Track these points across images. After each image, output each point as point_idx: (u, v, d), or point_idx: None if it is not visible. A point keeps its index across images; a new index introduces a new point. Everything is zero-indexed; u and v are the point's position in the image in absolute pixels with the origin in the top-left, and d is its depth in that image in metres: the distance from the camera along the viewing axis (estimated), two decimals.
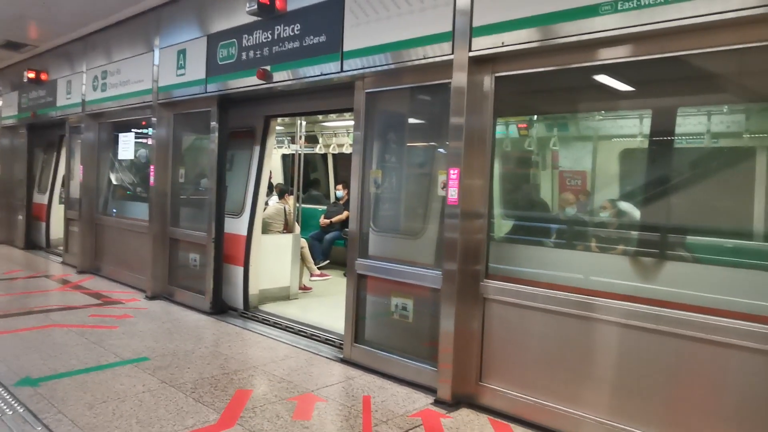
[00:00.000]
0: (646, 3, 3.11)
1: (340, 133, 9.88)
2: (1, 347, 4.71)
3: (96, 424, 3.36)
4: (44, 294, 7.09)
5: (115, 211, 8.56)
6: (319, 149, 10.27)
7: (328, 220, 8.96)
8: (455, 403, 3.89)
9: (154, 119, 7.00)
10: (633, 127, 4.29)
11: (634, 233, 3.80)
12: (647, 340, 3.22)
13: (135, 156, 8.00)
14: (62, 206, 9.97)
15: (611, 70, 3.56)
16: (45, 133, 10.79)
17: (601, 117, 4.51)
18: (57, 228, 10.25)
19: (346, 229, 8.53)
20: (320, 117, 9.30)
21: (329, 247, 8.87)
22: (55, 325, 5.48)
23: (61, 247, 9.56)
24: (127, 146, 8.19)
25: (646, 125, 4.04)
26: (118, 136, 8.38)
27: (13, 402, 3.64)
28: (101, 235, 8.51)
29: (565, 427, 3.49)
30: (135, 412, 3.56)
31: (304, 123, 8.33)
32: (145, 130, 7.88)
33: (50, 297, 6.98)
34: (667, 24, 3.05)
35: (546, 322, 3.63)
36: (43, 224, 10.73)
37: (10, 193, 11.50)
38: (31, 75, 9.62)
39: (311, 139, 10.26)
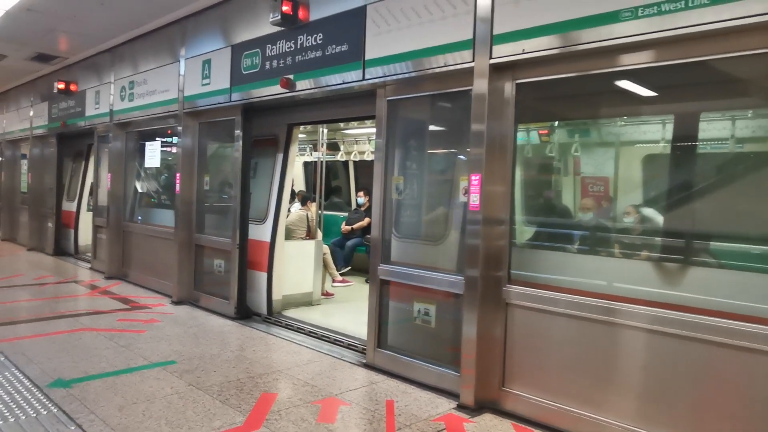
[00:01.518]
0: (667, 9, 3.12)
1: (361, 141, 9.97)
2: (33, 350, 4.85)
3: (127, 425, 3.46)
4: (73, 299, 7.27)
5: (140, 218, 8.74)
6: (340, 156, 10.37)
7: (349, 227, 9.02)
8: (478, 408, 3.91)
9: (179, 128, 7.16)
10: (655, 133, 4.28)
11: (658, 239, 3.79)
12: (672, 346, 3.21)
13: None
14: (90, 214, 10.21)
15: (633, 75, 3.57)
16: (74, 143, 11.07)
17: (622, 123, 4.51)
18: (85, 235, 10.51)
19: (368, 236, 8.60)
20: (341, 125, 9.40)
21: (351, 254, 8.93)
22: (84, 329, 5.62)
23: (90, 254, 9.78)
24: (153, 154, 8.37)
25: (669, 131, 4.04)
26: (144, 144, 8.57)
27: (47, 402, 3.76)
28: (128, 241, 8.69)
29: None
30: (164, 414, 3.65)
31: (325, 131, 8.43)
32: (170, 139, 8.05)
33: (79, 302, 7.15)
34: (689, 29, 3.06)
35: (569, 328, 3.64)
36: (72, 231, 11.00)
37: (41, 201, 11.82)
38: (61, 86, 9.90)
39: (332, 147, 10.36)
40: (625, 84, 3.72)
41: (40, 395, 3.88)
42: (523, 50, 3.71)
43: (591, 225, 4.27)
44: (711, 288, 3.23)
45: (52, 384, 4.10)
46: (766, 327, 2.90)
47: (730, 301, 3.09)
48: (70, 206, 11.13)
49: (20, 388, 4.00)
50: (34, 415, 3.55)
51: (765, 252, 3.34)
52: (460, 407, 3.94)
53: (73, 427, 3.40)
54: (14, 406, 3.67)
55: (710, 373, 3.09)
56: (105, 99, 9.04)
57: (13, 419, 3.48)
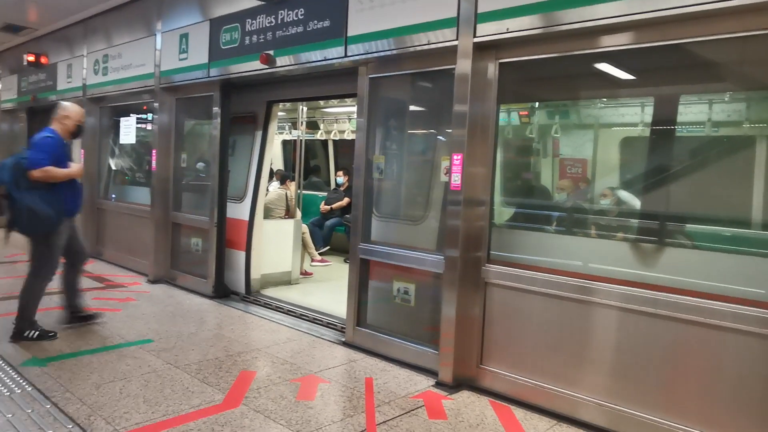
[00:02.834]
0: None
1: (341, 120, 9.89)
2: (6, 328, 4.76)
3: (104, 403, 3.43)
4: None
5: (114, 196, 8.57)
6: (320, 135, 10.27)
7: (328, 207, 8.99)
8: (456, 385, 3.97)
9: (155, 104, 7.01)
10: (633, 116, 4.33)
11: (633, 220, 3.86)
12: (644, 324, 3.29)
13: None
14: None
15: (613, 57, 3.60)
16: (45, 118, 10.66)
17: (602, 105, 4.55)
18: None
19: (347, 216, 8.59)
20: (321, 103, 9.30)
21: (329, 234, 8.91)
22: (58, 308, 5.52)
23: None
24: (128, 131, 8.18)
25: (647, 114, 4.08)
26: (119, 120, 8.38)
27: (21, 381, 3.70)
28: (103, 219, 8.54)
29: (564, 409, 3.57)
30: (141, 392, 3.62)
31: (305, 109, 8.33)
32: (146, 115, 7.88)
33: (52, 281, 7.00)
34: (670, 12, 3.08)
35: (546, 306, 3.70)
36: None
37: None
38: (31, 58, 9.55)
39: (312, 126, 10.26)
40: (605, 66, 3.74)
41: (13, 374, 3.82)
42: (507, 29, 3.69)
43: (568, 206, 4.32)
44: (683, 268, 3.30)
45: (26, 362, 4.04)
46: (734, 305, 2.98)
47: (702, 281, 3.17)
48: None
49: None
50: (8, 393, 3.50)
51: (735, 234, 3.42)
52: (439, 384, 3.99)
53: (48, 406, 3.36)
54: None
55: (680, 350, 3.18)
56: (77, 73, 8.78)
57: None
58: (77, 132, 4.83)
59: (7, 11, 8.60)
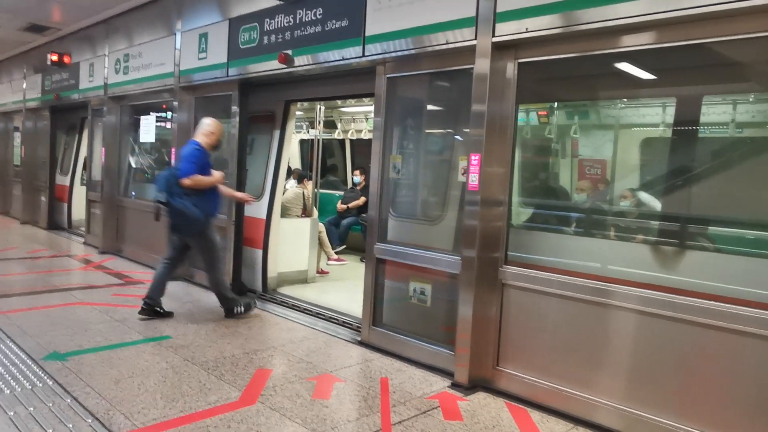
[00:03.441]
0: None
1: (358, 119, 9.90)
2: (28, 323, 4.85)
3: (123, 398, 3.47)
4: (68, 273, 7.26)
5: (134, 193, 8.69)
6: (337, 135, 10.30)
7: (345, 206, 9.01)
8: (472, 386, 3.95)
9: (175, 103, 7.08)
10: (654, 116, 4.27)
11: (654, 222, 3.80)
12: (662, 327, 3.24)
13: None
14: (84, 188, 10.14)
15: (634, 57, 3.55)
16: (67, 116, 10.94)
17: (622, 105, 4.49)
18: (79, 209, 10.42)
19: (363, 215, 8.59)
20: (339, 102, 9.32)
21: (346, 233, 8.93)
22: (79, 303, 5.62)
23: (83, 228, 9.74)
24: (148, 129, 8.28)
25: (669, 114, 4.02)
26: (139, 119, 8.48)
27: (43, 375, 3.76)
28: (122, 216, 8.65)
29: (581, 412, 3.53)
30: (159, 388, 3.66)
31: (323, 108, 8.36)
32: (166, 114, 7.97)
33: (73, 276, 7.15)
34: (692, 11, 3.03)
35: (563, 308, 3.66)
36: (66, 205, 10.93)
37: (34, 174, 11.71)
38: (54, 58, 9.73)
39: (329, 125, 10.29)
40: (626, 66, 3.69)
41: (35, 368, 3.88)
42: (527, 29, 3.67)
43: (587, 207, 4.27)
44: (705, 271, 3.25)
45: (48, 357, 4.11)
46: (758, 310, 2.92)
47: (724, 285, 3.11)
48: (63, 180, 11.04)
49: (16, 360, 4.00)
50: (30, 387, 3.56)
51: (759, 237, 3.36)
52: (454, 385, 3.98)
53: (69, 400, 3.41)
54: (10, 379, 3.68)
55: (700, 355, 3.13)
56: (99, 72, 8.91)
57: (8, 391, 3.49)
58: (218, 146, 5.49)
59: (31, 11, 8.75)
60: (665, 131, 4.12)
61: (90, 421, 3.16)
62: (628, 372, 3.39)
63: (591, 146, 4.80)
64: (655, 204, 3.84)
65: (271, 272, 6.43)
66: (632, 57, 3.55)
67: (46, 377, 3.73)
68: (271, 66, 5.62)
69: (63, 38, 10.07)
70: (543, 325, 3.77)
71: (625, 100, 4.39)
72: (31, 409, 3.26)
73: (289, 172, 8.12)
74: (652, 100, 4.22)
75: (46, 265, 7.58)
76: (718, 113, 3.90)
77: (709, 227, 3.53)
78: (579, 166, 4.56)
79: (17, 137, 12.74)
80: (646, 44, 3.35)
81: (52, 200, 11.13)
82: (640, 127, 4.47)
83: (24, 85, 11.75)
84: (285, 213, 6.98)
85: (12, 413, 3.20)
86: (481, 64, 3.90)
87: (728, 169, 3.59)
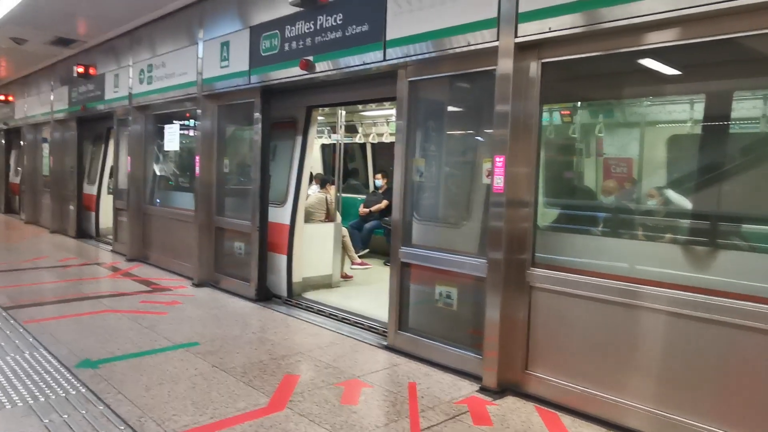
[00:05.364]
0: None
1: (379, 123, 9.91)
2: (60, 330, 4.94)
3: (153, 405, 3.51)
4: (97, 281, 7.39)
5: (159, 201, 8.81)
6: (358, 139, 10.32)
7: (367, 210, 9.01)
8: (501, 390, 3.91)
9: (198, 111, 7.17)
10: (681, 113, 4.19)
11: (683, 221, 3.73)
12: (696, 329, 3.17)
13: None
14: (110, 196, 10.32)
15: (660, 54, 3.48)
16: (94, 126, 11.16)
17: (648, 103, 4.42)
18: (106, 217, 10.61)
19: (386, 218, 8.59)
20: (360, 107, 9.34)
21: (369, 236, 8.94)
22: (108, 311, 5.71)
23: (111, 236, 9.90)
24: (172, 137, 8.40)
25: (696, 110, 3.94)
26: (163, 127, 8.61)
27: (75, 382, 3.83)
28: (149, 224, 8.78)
29: (612, 416, 3.47)
30: (189, 394, 3.70)
31: (344, 113, 8.38)
32: (189, 122, 8.07)
33: (102, 284, 7.27)
34: (717, 6, 2.96)
35: (592, 311, 3.60)
36: (93, 214, 11.14)
37: (62, 184, 11.96)
38: (80, 70, 9.94)
39: (350, 129, 10.32)
40: (652, 63, 3.63)
41: (68, 375, 3.95)
42: (549, 29, 3.63)
43: (614, 207, 4.20)
44: (739, 271, 3.17)
45: (80, 364, 4.18)
46: None
47: (758, 284, 3.03)
48: (90, 189, 11.25)
49: (49, 368, 4.08)
50: (64, 395, 3.62)
51: None
52: (483, 390, 3.94)
53: (101, 407, 3.46)
54: (44, 386, 3.74)
55: (736, 357, 3.05)
56: (124, 82, 9.07)
57: (43, 399, 3.55)
58: None
59: (58, 25, 8.95)
60: (693, 128, 4.03)
61: (123, 428, 3.20)
62: (661, 375, 3.32)
63: (616, 145, 4.73)
64: (684, 202, 3.76)
65: (296, 277, 6.46)
66: (658, 54, 3.49)
67: (79, 385, 3.79)
68: (293, 72, 5.65)
69: (88, 50, 10.28)
70: (572, 328, 3.71)
71: (651, 97, 4.31)
72: (66, 416, 3.32)
73: (311, 178, 8.17)
74: (679, 97, 4.13)
75: (76, 273, 7.73)
76: (748, 108, 3.81)
77: (742, 225, 3.44)
78: (604, 165, 4.49)
79: (46, 148, 13.03)
80: (672, 41, 3.29)
81: (80, 209, 11.35)
82: (667, 124, 4.39)
83: (51, 97, 12.02)
84: (308, 218, 7.01)
85: (47, 420, 3.25)
86: (504, 65, 3.87)
87: (761, 165, 3.50)
